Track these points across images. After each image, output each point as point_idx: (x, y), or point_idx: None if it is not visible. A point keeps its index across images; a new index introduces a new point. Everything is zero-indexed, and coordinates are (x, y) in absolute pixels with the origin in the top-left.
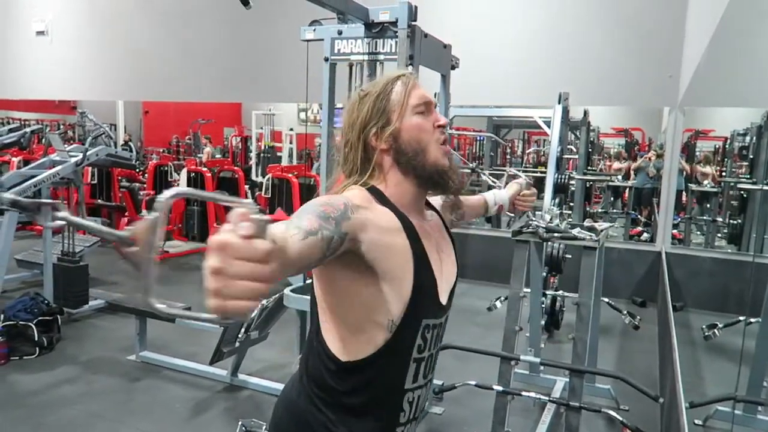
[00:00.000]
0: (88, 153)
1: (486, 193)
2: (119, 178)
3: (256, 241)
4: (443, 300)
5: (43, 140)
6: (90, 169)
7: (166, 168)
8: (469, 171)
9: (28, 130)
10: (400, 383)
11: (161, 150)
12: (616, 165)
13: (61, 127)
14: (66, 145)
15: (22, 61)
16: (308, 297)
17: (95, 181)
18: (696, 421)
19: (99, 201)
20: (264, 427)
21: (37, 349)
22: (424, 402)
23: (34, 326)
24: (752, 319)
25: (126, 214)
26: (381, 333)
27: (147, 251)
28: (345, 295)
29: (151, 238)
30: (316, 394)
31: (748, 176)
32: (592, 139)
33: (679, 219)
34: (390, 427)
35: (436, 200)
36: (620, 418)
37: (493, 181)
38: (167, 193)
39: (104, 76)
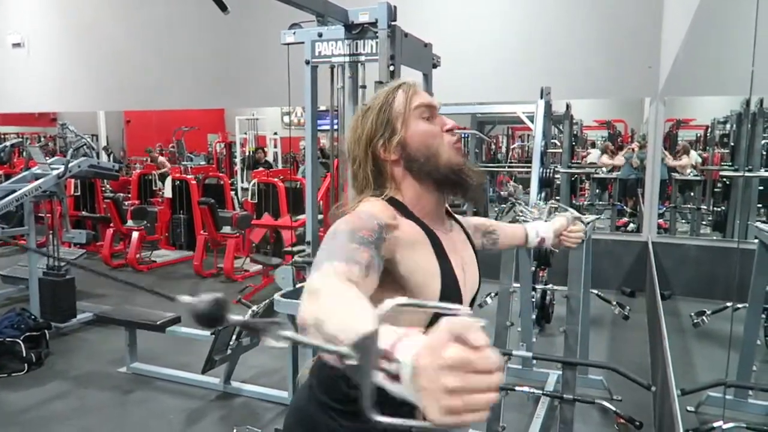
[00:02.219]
0: (69, 165)
1: (528, 224)
2: (103, 188)
3: (490, 353)
4: None
5: (24, 153)
6: (73, 180)
7: (150, 177)
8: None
9: (7, 143)
10: None
11: (144, 159)
12: (605, 159)
13: (42, 139)
14: (47, 158)
15: None
16: (299, 301)
17: (78, 193)
18: (688, 408)
19: (83, 213)
20: None
21: (26, 365)
22: None
23: (21, 342)
24: (739, 305)
25: (111, 225)
26: None
27: (367, 364)
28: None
29: (372, 350)
30: (326, 402)
31: (730, 163)
32: (575, 132)
33: (665, 208)
34: None
35: (468, 221)
36: (614, 408)
37: (532, 212)
38: (385, 306)
39: (84, 86)
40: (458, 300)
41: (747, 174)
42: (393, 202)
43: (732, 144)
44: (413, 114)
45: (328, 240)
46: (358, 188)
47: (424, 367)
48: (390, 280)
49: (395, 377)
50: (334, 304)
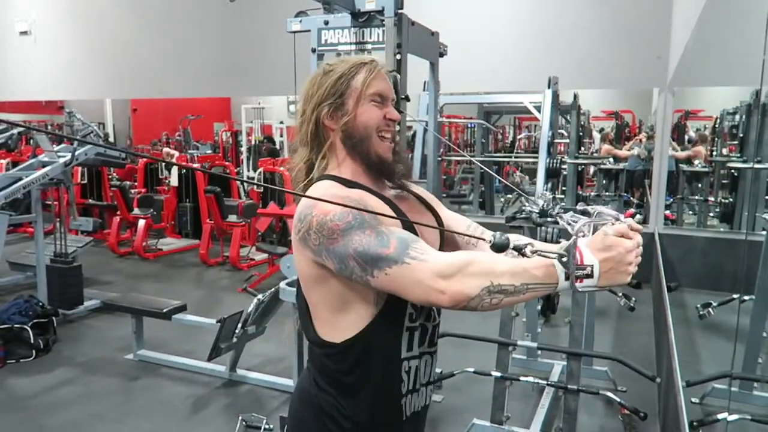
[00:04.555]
0: (76, 153)
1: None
2: (110, 176)
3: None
4: None
5: (31, 141)
6: (80, 168)
7: (156, 165)
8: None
9: (15, 131)
10: (396, 352)
11: (151, 146)
12: (607, 148)
13: (49, 127)
14: (54, 146)
15: (6, 62)
16: None
17: (85, 181)
18: (693, 400)
19: (90, 200)
20: (264, 421)
21: (34, 351)
22: (426, 376)
23: (29, 329)
24: (746, 297)
25: (118, 213)
26: (369, 307)
27: (572, 260)
28: (331, 277)
29: (573, 251)
30: (322, 380)
31: (739, 155)
32: (582, 122)
33: (672, 200)
34: (393, 398)
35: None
36: (618, 400)
37: (569, 223)
38: (580, 222)
39: (90, 74)
40: None
41: (756, 165)
42: (336, 179)
43: (741, 135)
44: (367, 97)
45: (348, 234)
46: (300, 141)
47: (608, 258)
48: None
49: (585, 277)
50: (501, 264)
